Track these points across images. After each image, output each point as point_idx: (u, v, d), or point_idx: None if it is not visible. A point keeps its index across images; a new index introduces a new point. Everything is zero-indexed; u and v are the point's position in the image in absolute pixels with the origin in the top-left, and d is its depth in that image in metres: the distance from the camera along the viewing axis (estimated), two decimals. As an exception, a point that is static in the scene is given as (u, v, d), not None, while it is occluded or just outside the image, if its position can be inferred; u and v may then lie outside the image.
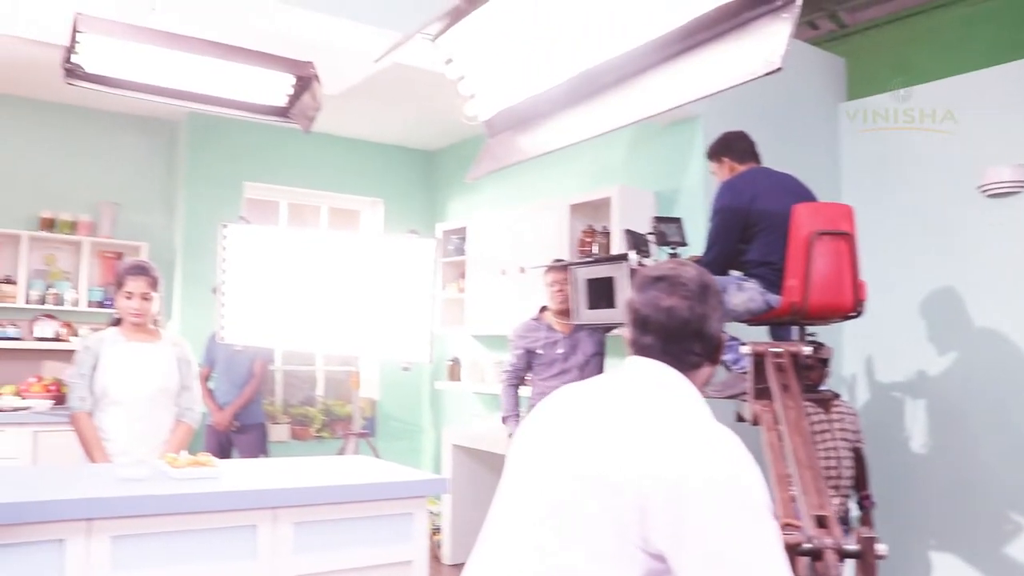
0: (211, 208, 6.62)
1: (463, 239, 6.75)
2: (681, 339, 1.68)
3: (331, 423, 7.18)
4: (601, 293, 3.95)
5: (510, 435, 4.91)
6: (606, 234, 5.49)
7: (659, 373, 1.68)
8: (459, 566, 6.12)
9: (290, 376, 7.36)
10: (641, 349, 1.72)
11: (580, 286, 4.09)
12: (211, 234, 5.89)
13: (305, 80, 4.44)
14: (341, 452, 5.39)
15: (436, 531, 6.31)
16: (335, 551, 3.16)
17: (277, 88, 4.50)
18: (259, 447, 5.91)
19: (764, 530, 1.47)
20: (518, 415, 4.94)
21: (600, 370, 4.89)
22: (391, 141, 7.61)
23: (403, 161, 7.75)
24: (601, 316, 4.03)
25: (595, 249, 5.49)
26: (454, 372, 6.97)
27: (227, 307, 5.53)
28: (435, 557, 6.08)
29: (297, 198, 7.46)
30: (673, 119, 5.29)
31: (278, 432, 6.82)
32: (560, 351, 4.81)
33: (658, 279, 1.72)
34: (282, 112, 4.68)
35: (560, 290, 4.76)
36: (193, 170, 6.81)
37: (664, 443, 1.52)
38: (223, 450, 5.65)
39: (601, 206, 5.51)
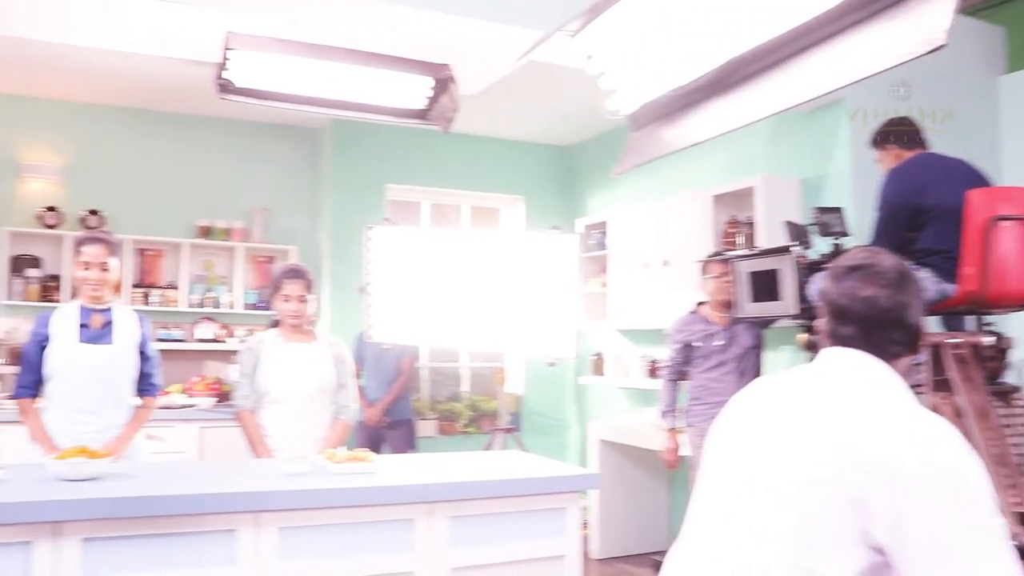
0: (356, 210, 6.82)
1: (604, 233, 6.73)
2: (882, 328, 1.63)
3: (477, 419, 7.28)
4: (764, 286, 3.88)
5: (669, 430, 4.92)
6: (750, 224, 5.37)
7: (862, 363, 1.64)
8: (607, 560, 6.12)
9: (436, 373, 7.51)
10: (840, 340, 1.68)
11: (743, 279, 4.03)
12: (356, 236, 6.06)
13: (443, 82, 4.53)
14: (488, 447, 5.45)
15: (584, 525, 6.31)
16: (490, 545, 3.19)
17: (416, 91, 4.60)
18: (408, 442, 6.05)
19: (990, 520, 1.41)
20: (675, 410, 4.91)
21: (758, 363, 4.81)
22: (528, 138, 7.65)
23: (541, 157, 7.78)
24: (765, 309, 3.96)
25: (740, 240, 5.39)
26: (598, 367, 6.96)
27: (374, 306, 5.67)
28: (583, 552, 6.08)
29: (438, 198, 7.60)
30: (817, 104, 5.11)
31: (425, 428, 6.96)
32: (717, 343, 4.75)
33: (854, 268, 1.68)
34: (421, 114, 4.79)
35: (729, 281, 4.69)
36: (338, 174, 7.03)
37: (877, 433, 1.48)
38: (374, 445, 5.79)
39: (744, 196, 5.39)
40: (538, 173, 7.77)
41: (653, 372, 6.30)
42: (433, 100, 4.63)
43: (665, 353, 5.04)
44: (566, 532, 3.37)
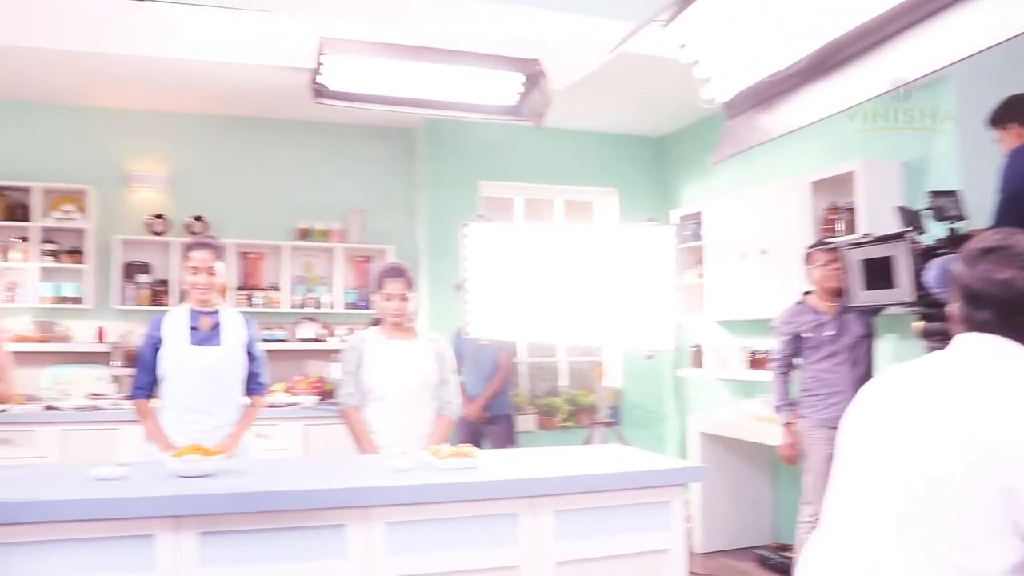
0: (450, 208, 6.89)
1: (699, 224, 6.65)
2: (1021, 312, 1.57)
3: (575, 413, 7.28)
4: (878, 273, 3.79)
5: (785, 424, 4.80)
6: (850, 210, 5.24)
7: (1001, 348, 1.58)
8: (710, 554, 6.06)
9: (534, 368, 7.53)
10: (975, 325, 1.62)
11: (855, 267, 3.94)
12: (452, 233, 6.12)
13: (533, 77, 4.54)
14: (587, 441, 5.43)
15: (687, 519, 6.27)
16: (594, 539, 3.19)
17: (507, 87, 4.62)
18: (508, 437, 6.08)
19: None
20: (791, 404, 4.81)
21: (870, 352, 4.68)
22: (620, 130, 7.61)
23: (633, 149, 7.72)
24: (879, 297, 3.87)
25: (840, 227, 5.26)
26: (696, 359, 6.89)
27: (471, 303, 5.72)
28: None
29: (532, 193, 7.62)
30: (919, 83, 4.95)
31: (525, 422, 6.99)
32: (828, 333, 4.63)
33: (989, 251, 1.61)
34: (513, 110, 4.80)
35: (836, 268, 4.58)
36: (432, 173, 7.11)
37: None
38: (474, 441, 5.81)
39: (843, 181, 5.26)
40: (631, 165, 7.71)
41: (753, 363, 6.20)
42: (524, 95, 4.64)
43: (767, 344, 4.94)
44: (670, 526, 3.35)
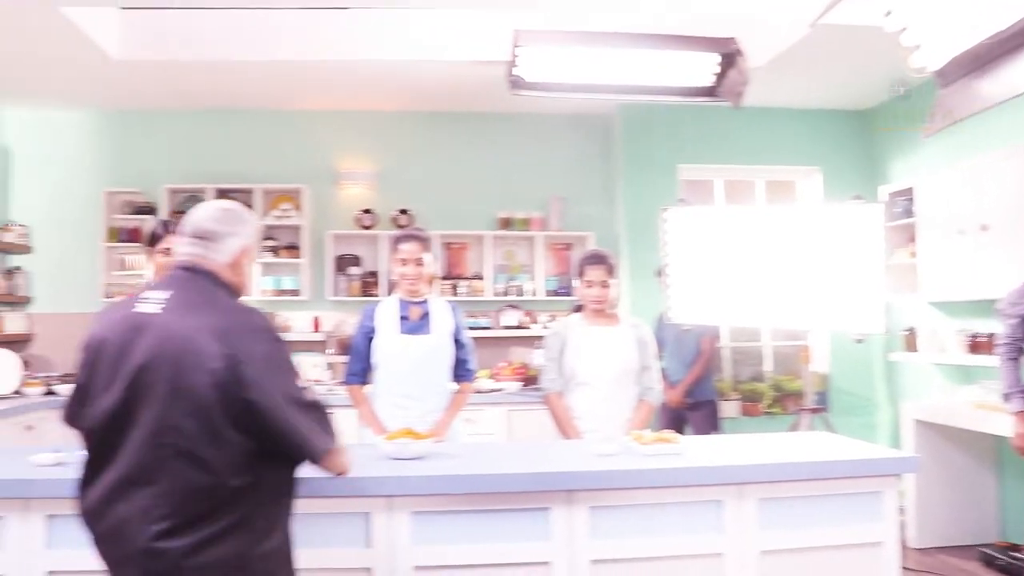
0: (649, 193, 6.86)
1: (910, 200, 6.30)
2: None
3: (781, 399, 7.10)
4: None
5: (1016, 413, 4.40)
6: (1086, 178, 4.83)
7: None
8: (926, 550, 5.75)
9: (738, 352, 7.39)
10: None
11: None
12: (651, 218, 6.09)
13: (730, 56, 4.44)
14: (793, 428, 5.29)
15: (899, 512, 5.98)
16: (800, 529, 3.10)
17: (703, 68, 4.55)
18: (712, 423, 6.00)
19: None
20: (1022, 391, 4.42)
21: None
22: (822, 105, 7.31)
23: (836, 124, 7.40)
24: None
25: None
26: (910, 342, 6.54)
27: (672, 288, 5.68)
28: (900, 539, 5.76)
29: (731, 175, 7.46)
30: None
31: (728, 408, 6.88)
32: None
33: None
34: (710, 91, 4.72)
35: None
36: (629, 159, 7.10)
37: None
38: (676, 427, 5.79)
39: (1077, 146, 4.85)
40: (834, 141, 7.39)
41: (974, 347, 5.82)
42: (721, 76, 4.55)
43: (989, 326, 4.61)
44: (883, 518, 3.21)
